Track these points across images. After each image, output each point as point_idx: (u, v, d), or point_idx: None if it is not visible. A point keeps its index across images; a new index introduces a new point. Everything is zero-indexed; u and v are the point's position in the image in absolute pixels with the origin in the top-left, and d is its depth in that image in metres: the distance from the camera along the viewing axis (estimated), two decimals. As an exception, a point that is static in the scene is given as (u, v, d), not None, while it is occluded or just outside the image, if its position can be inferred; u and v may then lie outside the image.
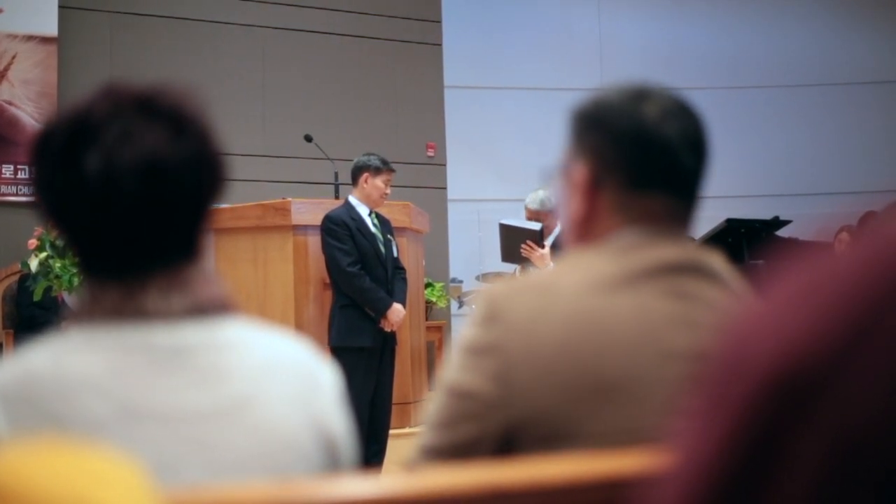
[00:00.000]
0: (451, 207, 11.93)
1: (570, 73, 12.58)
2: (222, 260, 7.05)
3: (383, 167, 6.45)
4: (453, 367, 1.56)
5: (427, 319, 9.24)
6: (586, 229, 1.68)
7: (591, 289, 1.55)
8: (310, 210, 7.12)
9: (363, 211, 6.42)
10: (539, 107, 12.44)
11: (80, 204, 1.37)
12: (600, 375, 1.49)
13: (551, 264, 6.13)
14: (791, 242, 8.91)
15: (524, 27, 12.82)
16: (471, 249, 11.50)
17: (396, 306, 6.32)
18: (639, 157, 1.62)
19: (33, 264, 6.81)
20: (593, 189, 1.66)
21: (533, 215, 6.47)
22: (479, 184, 12.32)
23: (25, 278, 7.73)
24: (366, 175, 6.42)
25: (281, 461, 1.40)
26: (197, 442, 1.35)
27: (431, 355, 9.88)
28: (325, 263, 6.42)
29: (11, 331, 8.64)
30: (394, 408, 6.63)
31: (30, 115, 9.81)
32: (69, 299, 6.89)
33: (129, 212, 1.36)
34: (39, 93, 9.88)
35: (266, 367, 1.44)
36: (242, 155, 9.84)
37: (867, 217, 8.14)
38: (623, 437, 1.45)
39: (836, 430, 0.54)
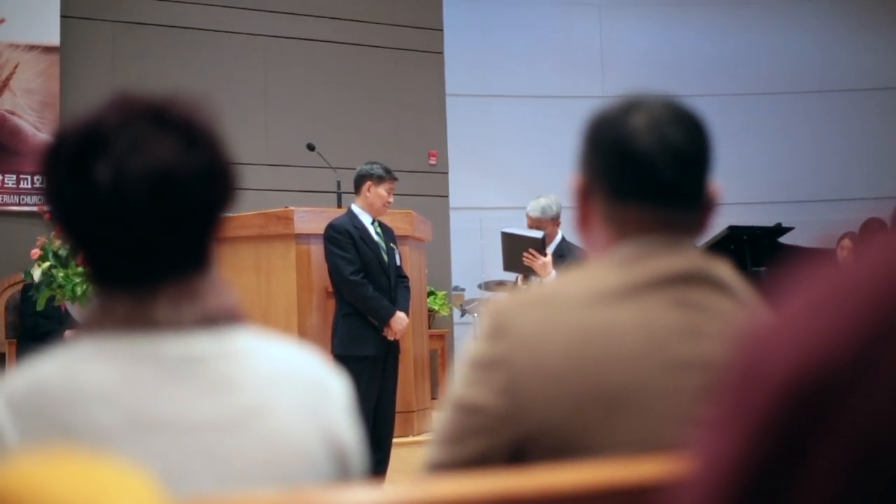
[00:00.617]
0: (453, 215, 11.93)
1: (572, 80, 12.59)
2: (225, 269, 7.00)
3: (386, 176, 6.46)
4: (460, 382, 1.56)
5: (430, 328, 9.24)
6: (588, 237, 1.70)
7: (595, 301, 1.55)
8: (312, 219, 7.13)
9: (366, 219, 6.43)
10: (541, 114, 12.44)
11: (90, 213, 1.37)
12: (607, 387, 1.49)
13: (553, 272, 6.14)
14: (794, 250, 8.91)
15: (525, 35, 12.83)
16: (473, 257, 11.50)
17: (399, 314, 6.32)
18: (617, 169, 1.63)
19: (36, 274, 6.82)
20: (585, 198, 1.68)
21: (534, 223, 6.47)
22: (481, 192, 12.32)
23: (28, 288, 7.73)
24: (368, 184, 6.43)
25: (291, 471, 1.40)
26: (206, 452, 1.35)
27: (434, 364, 9.88)
28: (328, 272, 6.43)
29: (15, 340, 8.64)
30: (397, 416, 6.63)
31: (32, 125, 9.82)
32: (72, 309, 6.89)
33: (139, 222, 1.36)
34: (42, 102, 9.88)
35: (276, 377, 1.44)
36: (245, 164, 9.83)
37: (869, 224, 8.15)
38: (632, 447, 1.45)
39: (854, 438, 0.54)
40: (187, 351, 1.38)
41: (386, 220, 6.64)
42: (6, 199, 9.69)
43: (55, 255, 6.72)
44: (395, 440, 6.55)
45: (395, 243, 6.59)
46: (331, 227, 6.39)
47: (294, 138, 10.31)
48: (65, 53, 10.09)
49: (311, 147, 8.60)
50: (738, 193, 11.11)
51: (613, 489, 1.18)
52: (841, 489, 0.54)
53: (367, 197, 6.43)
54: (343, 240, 6.30)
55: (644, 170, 1.61)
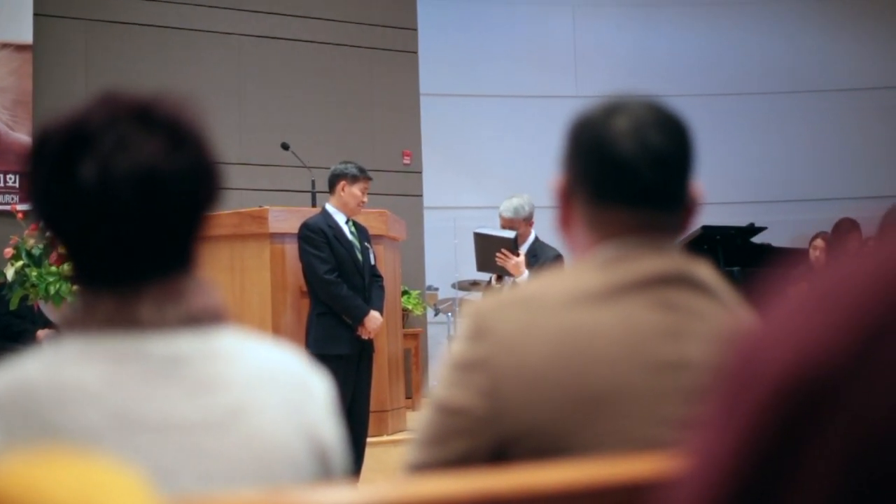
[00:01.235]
0: (427, 215, 11.93)
1: (546, 80, 12.61)
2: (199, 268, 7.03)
3: (360, 175, 6.45)
4: (442, 384, 1.56)
5: (403, 327, 9.24)
6: (569, 238, 1.71)
7: (577, 302, 1.56)
8: (287, 218, 7.13)
9: (340, 219, 6.42)
10: (515, 114, 12.46)
11: (74, 212, 1.37)
12: (588, 388, 1.49)
13: (526, 272, 6.15)
14: (767, 249, 8.96)
15: (499, 35, 12.84)
16: (447, 257, 11.49)
17: (373, 314, 6.32)
18: (597, 173, 1.64)
19: (9, 273, 6.78)
20: (567, 200, 1.69)
21: (507, 223, 6.46)
22: (455, 191, 12.33)
23: (1, 287, 7.69)
24: (342, 183, 6.42)
25: (273, 470, 1.41)
26: (190, 451, 1.35)
27: (408, 363, 9.88)
28: (303, 271, 6.42)
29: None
30: (371, 416, 6.63)
31: (4, 123, 9.76)
32: (45, 308, 6.85)
33: (124, 221, 1.36)
34: (14, 101, 9.83)
35: (259, 377, 1.45)
36: (219, 163, 9.79)
37: (841, 224, 8.20)
38: (614, 448, 1.46)
39: (849, 437, 0.54)
40: (171, 351, 1.38)
41: (360, 220, 6.63)
42: (-22, 198, 9.64)
43: (28, 254, 6.69)
44: (369, 440, 6.55)
45: (369, 242, 6.59)
46: (305, 227, 6.39)
47: (268, 137, 10.29)
48: (38, 52, 10.03)
49: (285, 146, 8.59)
50: (711, 193, 11.14)
51: (595, 488, 1.19)
52: (836, 489, 0.54)
53: (342, 196, 6.42)
54: (317, 239, 6.30)
55: (626, 173, 1.62)
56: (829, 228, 8.30)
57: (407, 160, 11.84)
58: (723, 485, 0.59)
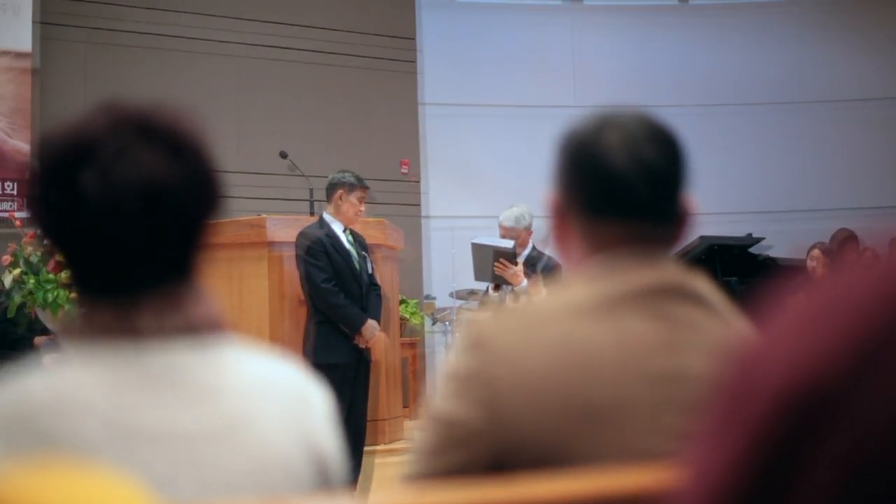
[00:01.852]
0: (425, 224, 11.94)
1: (545, 91, 12.61)
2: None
3: (357, 184, 6.45)
4: (439, 395, 1.57)
5: (401, 336, 9.23)
6: (564, 251, 1.71)
7: (572, 314, 1.56)
8: (285, 227, 7.12)
9: (338, 228, 6.42)
10: (514, 125, 12.47)
11: (75, 221, 1.37)
12: (584, 400, 1.50)
13: (525, 281, 6.15)
14: (765, 260, 8.96)
15: (499, 45, 12.85)
16: (445, 266, 11.49)
17: (371, 323, 6.32)
18: (591, 187, 1.65)
19: (7, 280, 6.78)
20: (561, 214, 1.69)
21: (508, 232, 6.47)
22: (453, 201, 12.33)
23: (-1, 294, 7.69)
24: (340, 192, 6.42)
25: (272, 480, 1.41)
26: (189, 461, 1.35)
27: (406, 372, 9.87)
28: (300, 280, 6.42)
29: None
30: (368, 425, 6.63)
31: (2, 131, 9.76)
32: (43, 316, 6.86)
33: (124, 230, 1.36)
34: (13, 108, 9.84)
35: (258, 387, 1.45)
36: (216, 170, 9.79)
37: (839, 234, 8.21)
38: (611, 460, 1.46)
39: (849, 450, 0.54)
40: (170, 360, 1.39)
41: (358, 229, 6.63)
42: (-24, 205, 9.64)
43: (26, 261, 6.69)
44: (366, 449, 6.54)
45: (366, 251, 6.59)
46: (302, 236, 6.39)
47: (267, 146, 10.30)
48: (37, 59, 10.04)
49: (283, 155, 8.60)
50: (709, 204, 11.15)
51: (593, 500, 1.19)
52: (835, 501, 0.54)
53: (339, 205, 6.42)
54: (315, 248, 6.30)
55: (618, 188, 1.62)
56: (826, 239, 8.31)
57: (405, 170, 11.85)
58: (721, 497, 0.59)
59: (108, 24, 10.50)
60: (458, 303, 10.24)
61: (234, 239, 7.15)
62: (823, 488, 0.55)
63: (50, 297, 6.55)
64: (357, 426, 6.30)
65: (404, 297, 10.39)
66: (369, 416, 6.63)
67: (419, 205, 11.89)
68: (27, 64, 9.96)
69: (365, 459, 6.48)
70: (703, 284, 1.63)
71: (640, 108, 1.69)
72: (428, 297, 11.64)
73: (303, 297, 6.55)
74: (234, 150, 10.68)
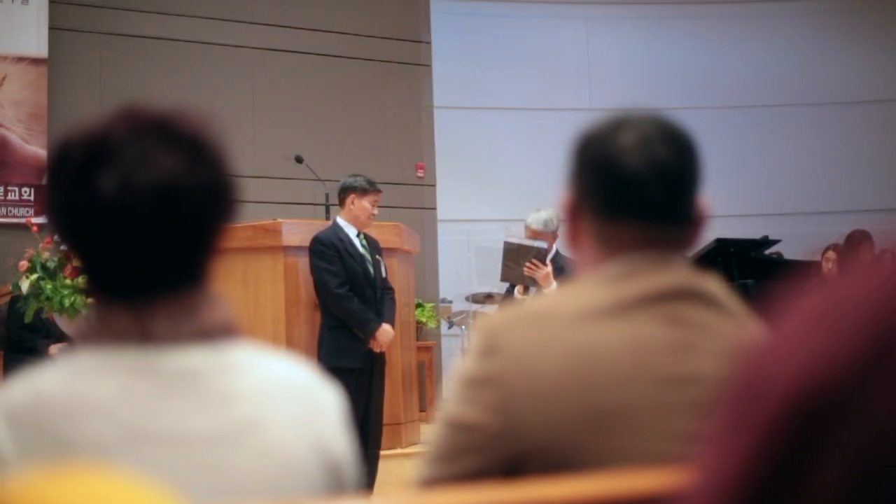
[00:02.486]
0: (440, 228, 11.93)
1: (559, 93, 12.62)
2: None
3: (370, 188, 6.44)
4: (453, 400, 1.57)
5: (417, 340, 9.23)
6: (578, 253, 1.71)
7: (586, 318, 1.56)
8: (300, 231, 7.13)
9: (351, 232, 6.42)
10: (528, 127, 12.47)
11: (92, 224, 1.37)
12: (600, 404, 1.50)
13: (554, 283, 6.10)
14: (781, 262, 8.93)
15: (513, 48, 12.85)
16: (460, 270, 11.50)
17: (385, 327, 6.31)
18: (605, 188, 1.65)
19: (24, 286, 6.79)
20: (575, 215, 1.69)
21: (534, 235, 6.38)
22: (468, 204, 12.33)
23: (16, 300, 7.71)
24: (352, 196, 6.41)
25: (286, 484, 1.41)
26: (203, 465, 1.36)
27: (422, 376, 9.87)
28: (314, 285, 6.42)
29: (1, 352, 8.60)
30: (385, 429, 6.63)
31: (20, 137, 9.80)
32: (59, 321, 6.87)
33: (142, 234, 1.37)
34: (30, 114, 9.88)
35: (271, 391, 1.45)
36: (233, 176, 9.81)
37: (853, 236, 8.17)
38: (626, 463, 1.45)
39: (857, 451, 0.54)
40: (184, 365, 1.39)
41: (373, 233, 6.63)
42: (-5, 210, 9.68)
43: (43, 266, 6.70)
44: (383, 453, 6.54)
45: (380, 255, 6.58)
46: (316, 240, 6.39)
47: (282, 150, 10.32)
48: (53, 65, 10.08)
49: (299, 159, 8.61)
50: (724, 206, 11.13)
51: (607, 503, 1.19)
52: (845, 502, 0.54)
53: (352, 209, 6.42)
54: (328, 252, 6.30)
55: (632, 189, 1.62)
56: (841, 241, 8.28)
57: (420, 173, 11.85)
58: (731, 499, 0.59)
59: (123, 28, 10.53)
60: (474, 306, 10.25)
61: (250, 243, 7.16)
62: (833, 489, 0.55)
63: (67, 302, 6.55)
64: (373, 430, 6.30)
65: (420, 301, 10.40)
66: (386, 420, 6.63)
67: (435, 208, 11.89)
68: (43, 70, 10.00)
69: (381, 463, 6.47)
70: (715, 287, 1.63)
71: (654, 109, 1.69)
72: (444, 300, 11.64)
73: (318, 302, 6.56)
74: (249, 154, 10.70)
